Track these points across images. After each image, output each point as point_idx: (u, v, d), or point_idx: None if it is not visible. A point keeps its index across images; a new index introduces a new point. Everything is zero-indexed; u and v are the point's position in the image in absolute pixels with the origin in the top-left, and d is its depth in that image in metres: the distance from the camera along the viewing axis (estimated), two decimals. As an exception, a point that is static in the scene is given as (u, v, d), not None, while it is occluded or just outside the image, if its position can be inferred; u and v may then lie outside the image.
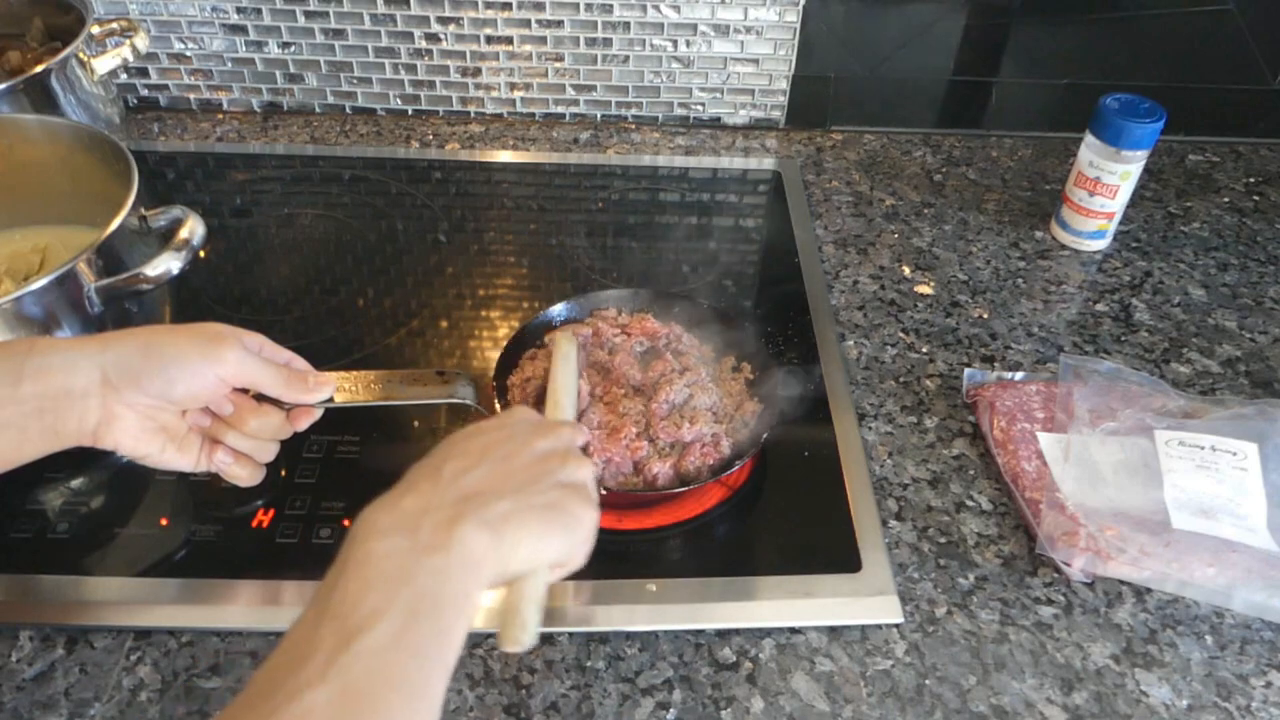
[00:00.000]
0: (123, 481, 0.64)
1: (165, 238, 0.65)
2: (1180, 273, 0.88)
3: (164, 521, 0.62)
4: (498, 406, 0.64)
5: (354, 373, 0.60)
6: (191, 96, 1.04)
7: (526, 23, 0.98)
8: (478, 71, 1.02)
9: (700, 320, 0.73)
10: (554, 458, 0.48)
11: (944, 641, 0.58)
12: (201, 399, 0.53)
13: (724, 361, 0.71)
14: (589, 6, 0.97)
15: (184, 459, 0.55)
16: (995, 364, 0.77)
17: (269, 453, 0.58)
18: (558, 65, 1.02)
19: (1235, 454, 0.65)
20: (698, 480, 0.62)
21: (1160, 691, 0.56)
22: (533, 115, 1.06)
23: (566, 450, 0.49)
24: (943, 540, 0.64)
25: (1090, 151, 0.84)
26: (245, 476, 0.57)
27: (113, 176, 0.66)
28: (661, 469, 0.62)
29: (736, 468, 0.63)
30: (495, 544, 0.42)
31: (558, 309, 0.73)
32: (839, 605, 0.59)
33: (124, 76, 1.02)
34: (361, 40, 0.99)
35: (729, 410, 0.67)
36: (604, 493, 0.60)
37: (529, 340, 0.72)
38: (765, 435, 0.64)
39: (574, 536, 0.46)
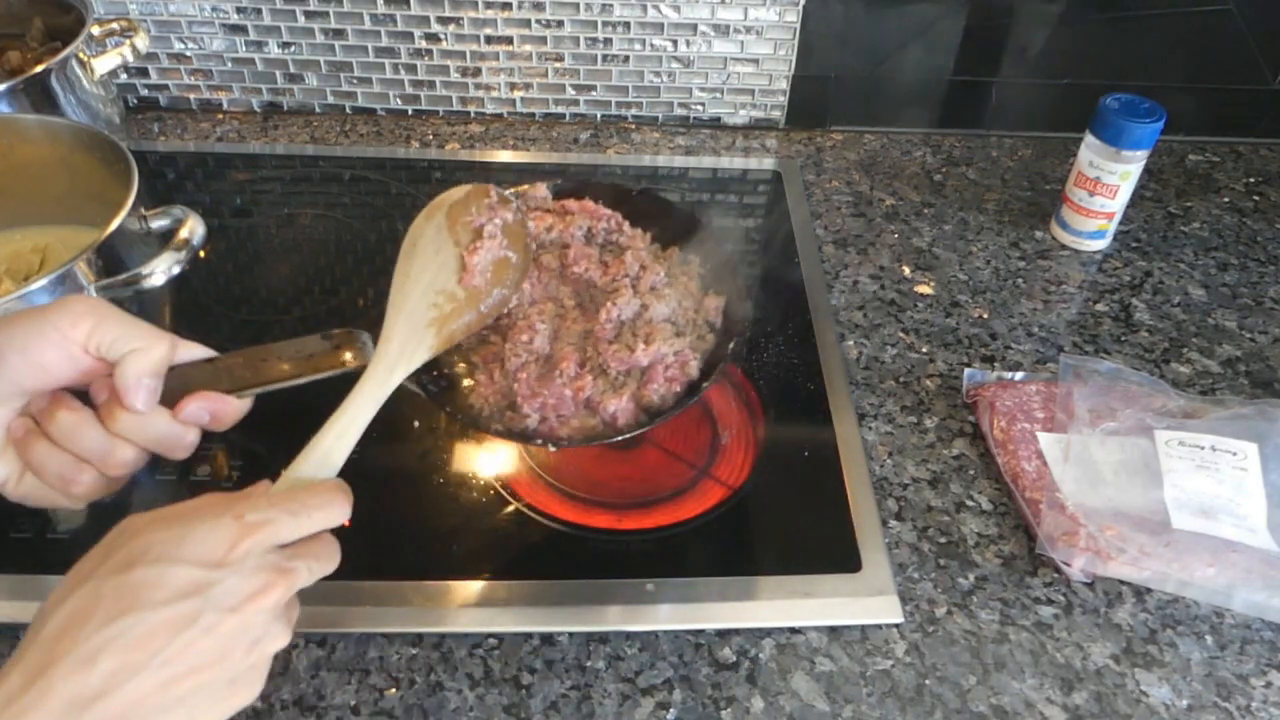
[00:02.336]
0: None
1: (165, 238, 0.65)
2: (1180, 273, 0.88)
3: (164, 521, 0.62)
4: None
5: (223, 356, 0.48)
6: (191, 96, 1.04)
7: (526, 23, 0.98)
8: (478, 71, 1.02)
9: (635, 209, 0.64)
10: (239, 647, 0.40)
11: (944, 641, 0.58)
12: (52, 372, 0.43)
13: (669, 254, 0.63)
14: (589, 6, 0.97)
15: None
16: (995, 364, 0.77)
17: (124, 463, 0.45)
18: (558, 65, 1.02)
19: (1235, 454, 0.65)
20: (666, 412, 0.54)
21: (1160, 691, 0.56)
22: (533, 115, 1.06)
23: (265, 626, 0.41)
24: (943, 540, 0.64)
25: (1090, 151, 0.84)
26: (85, 484, 0.45)
27: (113, 176, 0.66)
28: (619, 405, 0.54)
29: (708, 387, 0.56)
30: None
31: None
32: (839, 605, 0.59)
33: (124, 76, 1.02)
34: (361, 40, 0.99)
35: (689, 315, 0.59)
36: (552, 449, 0.54)
37: None
38: (735, 342, 0.57)
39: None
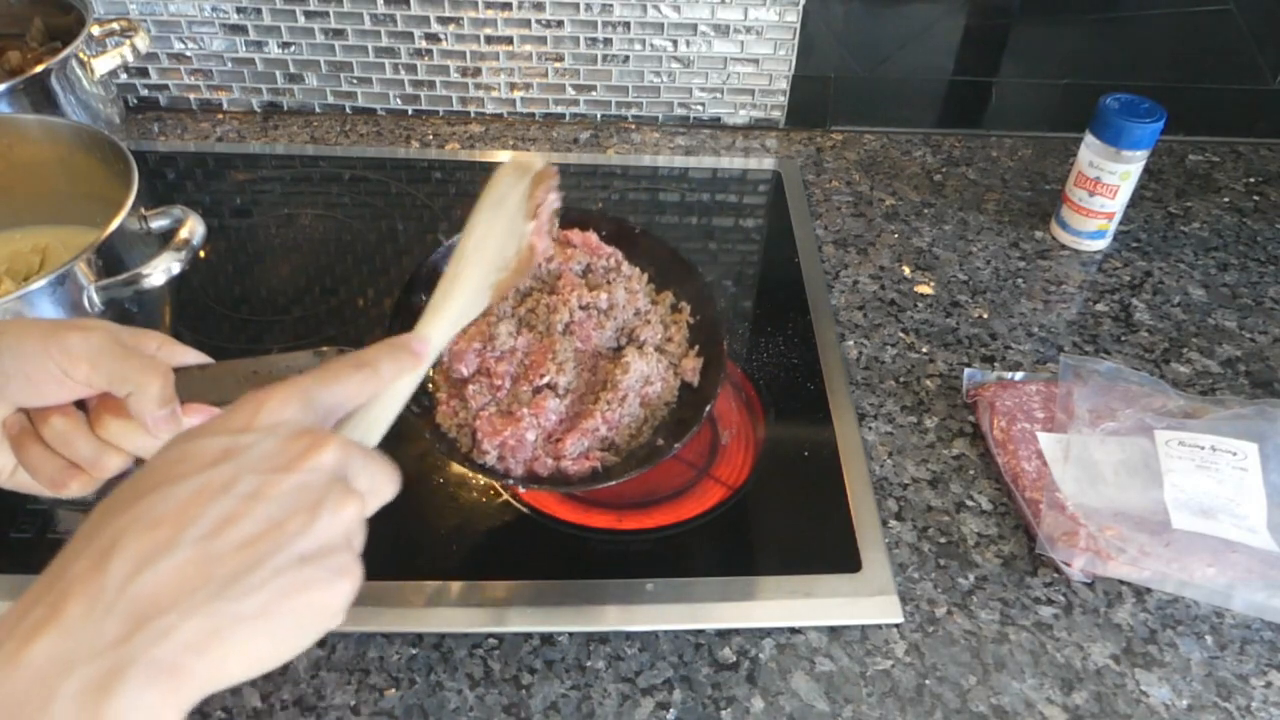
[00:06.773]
0: (122, 480, 0.64)
1: (165, 238, 0.65)
2: (1180, 273, 0.88)
3: (164, 521, 0.62)
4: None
5: (215, 365, 0.47)
6: (191, 96, 1.04)
7: (526, 23, 0.98)
8: (478, 71, 1.02)
9: (634, 247, 0.65)
10: (299, 510, 0.33)
11: (944, 641, 0.58)
12: (49, 398, 0.43)
13: (662, 297, 0.66)
14: (589, 6, 0.97)
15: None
16: (995, 364, 0.77)
17: (112, 468, 0.45)
18: (558, 65, 1.02)
19: (1235, 454, 0.65)
20: (618, 473, 0.56)
21: (1160, 691, 0.56)
22: (533, 115, 1.06)
23: (325, 487, 0.34)
24: (943, 540, 0.64)
25: (1090, 151, 0.84)
26: (75, 488, 0.45)
27: (113, 176, 0.66)
28: (579, 466, 0.57)
29: (676, 450, 0.57)
30: (174, 693, 0.30)
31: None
32: (839, 605, 0.59)
33: (124, 76, 1.02)
34: (361, 40, 0.99)
35: (669, 365, 0.62)
36: (511, 484, 0.55)
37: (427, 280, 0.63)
38: (709, 408, 0.59)
39: (314, 629, 0.33)
